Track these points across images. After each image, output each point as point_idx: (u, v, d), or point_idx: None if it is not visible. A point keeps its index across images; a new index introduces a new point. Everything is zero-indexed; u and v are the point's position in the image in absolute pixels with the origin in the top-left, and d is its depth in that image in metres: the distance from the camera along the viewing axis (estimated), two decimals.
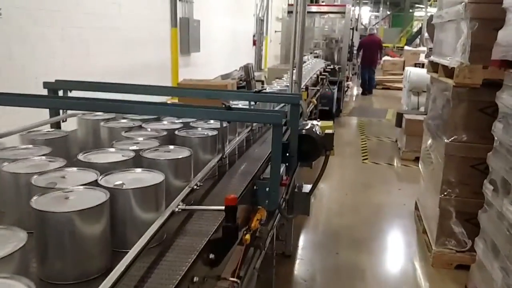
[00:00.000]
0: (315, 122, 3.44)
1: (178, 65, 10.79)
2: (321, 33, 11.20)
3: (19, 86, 5.80)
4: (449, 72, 3.90)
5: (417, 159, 6.70)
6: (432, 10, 26.30)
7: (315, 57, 9.62)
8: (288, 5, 11.57)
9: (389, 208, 5.20)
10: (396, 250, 4.26)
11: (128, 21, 8.69)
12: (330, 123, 3.40)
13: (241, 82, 6.41)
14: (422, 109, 7.70)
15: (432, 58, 4.70)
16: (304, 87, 5.32)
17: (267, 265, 3.37)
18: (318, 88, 6.52)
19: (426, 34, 24.09)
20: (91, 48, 7.58)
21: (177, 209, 1.59)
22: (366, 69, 13.16)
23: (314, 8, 10.43)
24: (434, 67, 4.62)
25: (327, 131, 3.15)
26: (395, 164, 6.85)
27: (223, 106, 2.24)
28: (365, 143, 7.95)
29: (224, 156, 2.31)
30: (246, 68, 6.39)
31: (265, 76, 8.99)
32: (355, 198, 5.37)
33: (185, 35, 11.03)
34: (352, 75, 15.03)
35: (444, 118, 4.01)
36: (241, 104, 3.08)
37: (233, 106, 3.20)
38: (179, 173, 1.81)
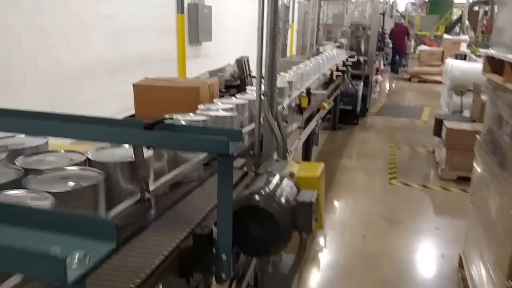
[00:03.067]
0: (289, 166, 1.91)
1: (185, 56, 9.35)
2: (351, 20, 9.49)
3: None
4: None
5: (460, 180, 5.03)
6: None
7: (337, 47, 7.94)
8: None
9: (421, 261, 3.60)
10: None
11: (120, 8, 7.32)
12: (316, 167, 1.87)
13: (234, 79, 4.92)
14: (466, 113, 5.94)
15: (491, 52, 3.02)
16: (304, 91, 3.75)
17: None
18: (326, 91, 4.89)
19: (467, 22, 21.61)
20: (71, 39, 6.27)
21: None
22: (395, 53, 14.76)
23: None
24: (493, 65, 2.96)
25: (301, 197, 1.61)
26: (431, 186, 5.17)
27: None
28: (395, 154, 6.27)
29: None
30: (239, 62, 4.88)
31: None
32: (375, 243, 3.79)
33: (194, 22, 9.57)
34: (385, 65, 13.38)
35: None
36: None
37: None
38: None
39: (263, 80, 2.12)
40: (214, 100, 2.91)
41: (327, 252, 3.63)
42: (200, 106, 2.65)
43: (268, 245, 1.53)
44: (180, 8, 9.10)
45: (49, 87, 5.81)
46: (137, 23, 7.69)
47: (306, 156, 4.53)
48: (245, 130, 2.44)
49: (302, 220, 1.54)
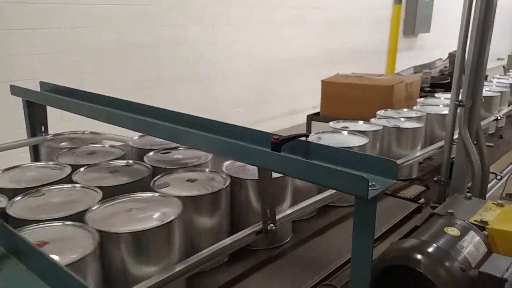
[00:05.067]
0: (483, 209, 1.33)
1: (396, 48, 8.60)
2: None
3: (194, 73, 5.20)
4: None
5: None
6: None
7: None
8: None
9: None
10: None
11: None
12: None
13: (443, 77, 4.14)
14: None
15: None
16: None
17: None
18: None
19: None
20: (283, 31, 6.39)
21: None
22: None
23: None
24: None
25: (488, 266, 1.06)
26: None
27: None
28: None
29: None
30: (452, 57, 4.07)
31: (504, 66, 6.10)
32: None
33: (412, 12, 8.68)
34: None
35: None
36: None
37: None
38: None
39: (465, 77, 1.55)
40: (437, 95, 2.62)
41: None
42: (420, 100, 2.45)
43: None
44: None
45: (259, 78, 6.07)
46: (350, 14, 7.37)
47: None
48: (435, 146, 1.89)
49: None
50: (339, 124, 1.85)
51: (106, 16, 4.11)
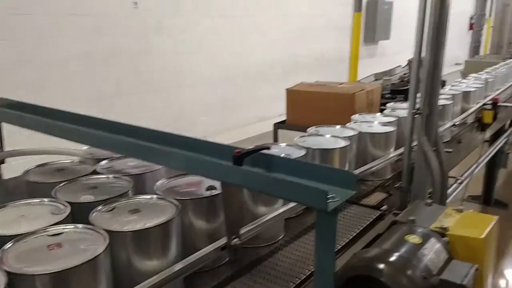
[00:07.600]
0: (443, 216, 1.35)
1: (358, 56, 8.79)
2: None
3: (159, 82, 5.06)
4: None
5: None
6: None
7: None
8: None
9: None
10: None
11: (297, 8, 7.18)
12: (485, 222, 1.25)
13: (403, 83, 4.24)
14: None
15: None
16: (490, 102, 2.94)
17: None
18: None
19: None
20: (247, 39, 6.40)
21: None
22: None
23: None
24: None
25: (448, 273, 1.08)
26: None
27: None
28: None
29: None
30: (411, 64, 4.17)
31: (461, 71, 6.34)
32: None
33: (371, 20, 8.90)
34: None
35: None
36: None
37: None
38: None
39: (418, 94, 1.58)
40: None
41: None
42: (355, 116, 2.29)
43: None
44: (357, 6, 8.57)
45: (225, 86, 6.04)
46: (313, 22, 7.48)
47: (489, 183, 3.64)
48: (394, 153, 1.93)
49: None
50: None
51: (66, 27, 4.00)
